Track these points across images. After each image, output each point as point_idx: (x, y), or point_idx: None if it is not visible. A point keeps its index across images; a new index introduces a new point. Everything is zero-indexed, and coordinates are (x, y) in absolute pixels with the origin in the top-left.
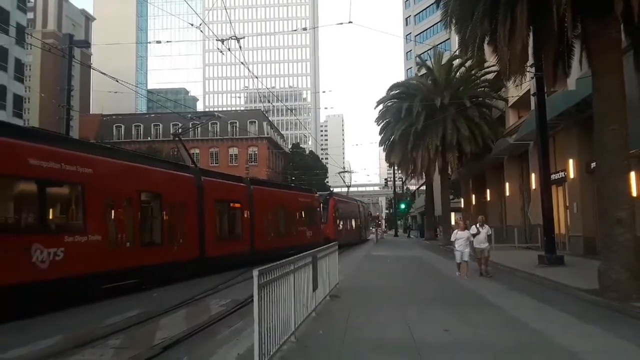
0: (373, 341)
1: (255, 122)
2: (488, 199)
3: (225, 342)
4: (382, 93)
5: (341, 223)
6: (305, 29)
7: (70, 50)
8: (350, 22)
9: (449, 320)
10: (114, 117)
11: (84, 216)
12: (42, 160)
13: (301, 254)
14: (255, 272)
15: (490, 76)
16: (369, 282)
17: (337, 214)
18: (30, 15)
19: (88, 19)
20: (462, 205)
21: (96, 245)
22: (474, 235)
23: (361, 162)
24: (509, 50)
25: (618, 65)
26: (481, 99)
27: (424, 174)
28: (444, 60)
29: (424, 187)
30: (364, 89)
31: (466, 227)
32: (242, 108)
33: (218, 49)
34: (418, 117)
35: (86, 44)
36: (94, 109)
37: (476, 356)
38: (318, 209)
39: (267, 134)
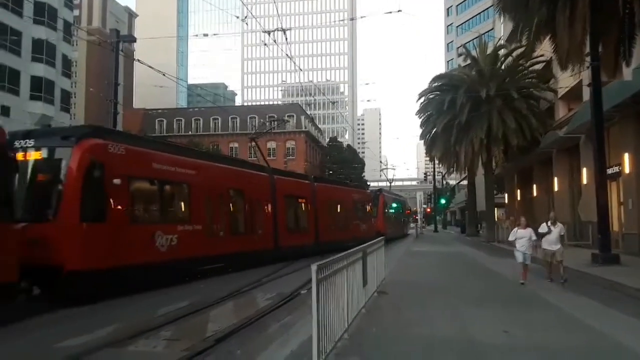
0: (427, 340)
1: (293, 115)
2: (535, 194)
3: (275, 337)
4: (421, 86)
5: (389, 218)
6: (352, 19)
7: (117, 45)
8: (399, 10)
9: (505, 320)
10: (157, 111)
11: (189, 210)
12: (161, 165)
13: (352, 250)
14: (313, 267)
15: (538, 66)
16: (415, 278)
17: (386, 209)
18: (76, 12)
19: (131, 15)
20: (506, 201)
21: (198, 234)
22: (542, 235)
23: (399, 156)
24: (568, 38)
25: None
26: (529, 89)
27: (466, 169)
28: (489, 50)
29: (464, 182)
30: (402, 82)
31: (528, 225)
32: (280, 102)
33: (262, 41)
34: (462, 109)
35: (131, 38)
36: (136, 103)
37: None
38: (370, 204)
39: (305, 128)
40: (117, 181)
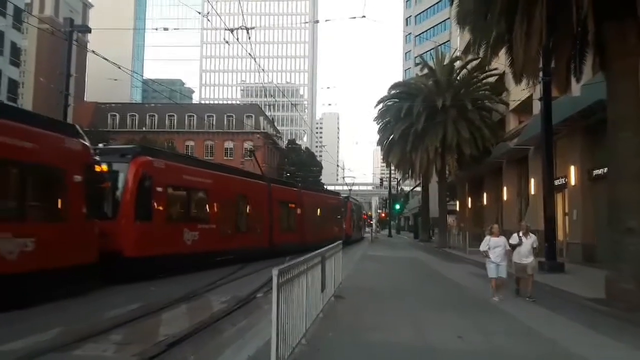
0: (384, 345)
1: (252, 116)
2: (485, 202)
3: (231, 342)
4: (380, 93)
5: (353, 222)
6: (316, 21)
7: (70, 35)
8: (363, 16)
9: (459, 325)
10: (110, 105)
11: (207, 212)
12: (189, 176)
13: (311, 254)
14: (274, 271)
15: (492, 79)
16: (371, 283)
17: (352, 214)
18: None
19: (86, 5)
20: (458, 208)
21: (213, 232)
22: (514, 247)
23: (356, 161)
24: (524, 52)
25: (634, 71)
26: (483, 101)
27: (421, 176)
28: (445, 61)
29: (418, 188)
30: (361, 88)
31: (500, 233)
32: (239, 102)
33: (224, 39)
34: (418, 117)
35: (86, 28)
36: (88, 97)
37: None
38: (343, 209)
39: (264, 129)
40: (159, 189)
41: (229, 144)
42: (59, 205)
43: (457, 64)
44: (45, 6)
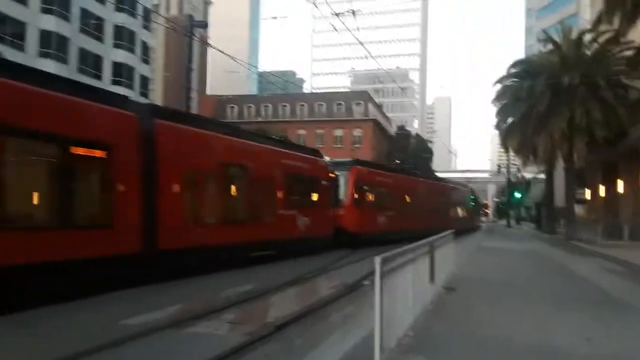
0: (500, 343)
1: (361, 103)
2: (621, 191)
3: (336, 328)
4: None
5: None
6: None
7: (191, 29)
8: None
9: (587, 326)
10: (229, 97)
11: (392, 202)
12: (380, 177)
13: (418, 242)
14: (377, 260)
15: (629, 52)
16: (487, 275)
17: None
18: (155, 0)
19: (206, 3)
20: (588, 197)
21: (395, 216)
22: None
23: (469, 147)
24: None
25: None
26: (617, 78)
27: (544, 161)
28: (573, 35)
29: (541, 176)
30: (476, 70)
31: None
32: (348, 89)
33: (332, 25)
34: (542, 97)
35: (204, 23)
36: (208, 90)
37: None
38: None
39: (373, 116)
40: (366, 187)
41: (338, 132)
42: (319, 199)
43: (587, 37)
44: (170, 6)
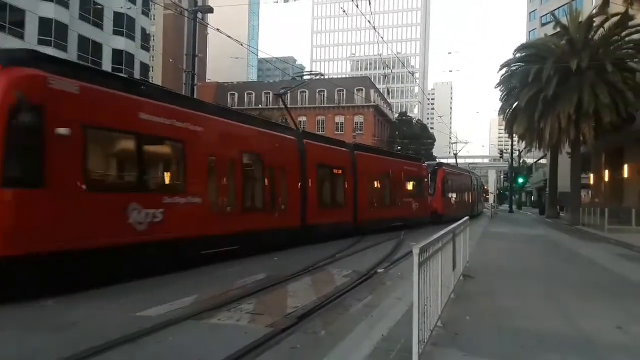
0: (532, 333)
1: (362, 89)
2: (625, 175)
3: (360, 319)
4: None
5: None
6: None
7: (195, 14)
8: None
9: (615, 314)
10: (229, 84)
11: (457, 191)
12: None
13: (444, 230)
14: (415, 250)
15: (636, 36)
16: (500, 262)
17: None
18: None
19: None
20: (592, 182)
21: (457, 203)
22: None
23: (470, 133)
24: None
25: None
26: (625, 61)
27: (550, 146)
28: (581, 18)
29: (542, 161)
30: (476, 56)
31: None
32: (349, 75)
33: (341, 8)
34: (549, 81)
35: (209, 9)
36: (208, 76)
37: None
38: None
39: (374, 102)
40: (449, 182)
41: (339, 119)
42: (422, 192)
43: (596, 20)
44: None
